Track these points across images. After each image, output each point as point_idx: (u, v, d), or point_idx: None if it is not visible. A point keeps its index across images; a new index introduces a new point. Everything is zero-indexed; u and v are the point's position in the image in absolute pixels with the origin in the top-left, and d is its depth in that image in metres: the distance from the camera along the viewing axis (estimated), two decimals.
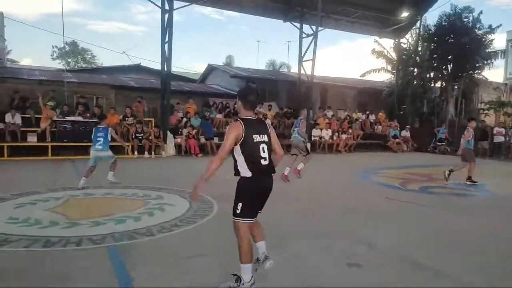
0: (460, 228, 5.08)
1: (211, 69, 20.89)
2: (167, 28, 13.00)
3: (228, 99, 16.67)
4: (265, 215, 3.22)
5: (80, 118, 11.94)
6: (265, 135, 2.96)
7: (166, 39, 13.05)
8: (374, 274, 3.44)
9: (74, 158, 10.88)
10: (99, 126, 7.17)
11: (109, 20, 67.19)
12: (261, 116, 15.29)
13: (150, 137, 12.33)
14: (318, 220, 5.26)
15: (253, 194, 2.93)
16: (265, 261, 3.02)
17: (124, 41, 66.29)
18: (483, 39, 18.15)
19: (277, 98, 18.27)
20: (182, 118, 13.82)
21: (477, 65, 18.84)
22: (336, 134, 16.02)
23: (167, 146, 12.55)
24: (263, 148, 2.92)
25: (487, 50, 18.63)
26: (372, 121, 18.60)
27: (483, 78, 19.73)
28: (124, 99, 14.63)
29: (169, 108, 13.30)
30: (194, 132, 13.08)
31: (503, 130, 16.00)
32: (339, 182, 8.88)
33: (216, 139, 13.84)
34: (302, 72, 16.57)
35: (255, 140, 2.89)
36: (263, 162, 2.93)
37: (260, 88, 18.16)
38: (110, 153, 7.11)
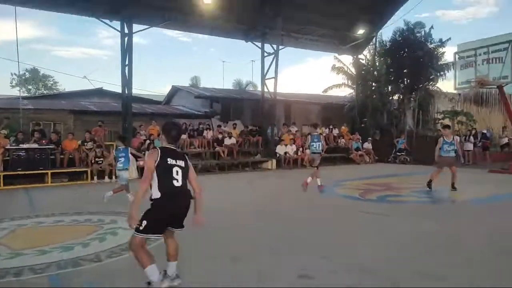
0: (408, 233, 5.25)
1: (175, 91, 20.84)
2: (126, 51, 12.95)
3: (193, 120, 16.62)
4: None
5: (35, 145, 11.51)
6: (182, 162, 3.22)
7: (127, 62, 12.97)
8: (325, 282, 3.48)
9: (29, 187, 10.41)
10: (119, 147, 7.90)
11: (75, 46, 66.06)
12: (226, 135, 15.40)
13: (111, 162, 12.02)
14: (276, 234, 5.27)
15: (160, 213, 3.11)
16: (174, 279, 3.30)
17: (89, 66, 65.11)
18: (435, 52, 19.19)
19: (242, 116, 18.42)
20: (145, 140, 13.60)
21: (431, 77, 19.86)
22: (301, 149, 16.24)
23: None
24: (176, 171, 3.16)
25: (439, 63, 19.67)
26: (335, 135, 19.02)
27: (438, 89, 20.74)
28: (84, 124, 14.28)
29: (130, 131, 13.08)
30: None
31: (458, 138, 16.76)
32: (303, 195, 8.94)
33: None
34: (266, 90, 16.83)
35: (168, 163, 3.14)
36: (176, 183, 3.15)
37: (224, 107, 18.32)
38: (127, 175, 7.80)
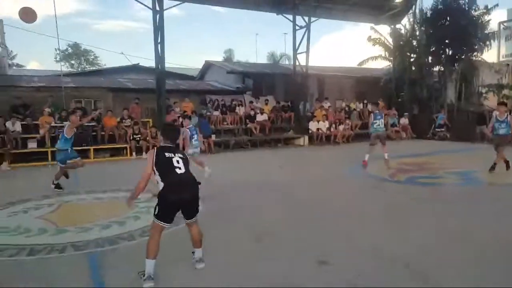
0: (429, 221, 5.22)
1: (208, 66, 21.02)
2: (159, 29, 13.14)
3: (225, 96, 16.78)
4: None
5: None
6: (180, 154, 3.46)
7: (159, 40, 13.21)
8: (346, 271, 3.61)
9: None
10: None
11: (112, 19, 67.47)
12: (258, 112, 15.48)
13: (148, 138, 12.56)
14: (299, 216, 5.43)
15: (166, 203, 3.32)
16: (198, 262, 3.57)
17: (126, 40, 66.54)
18: (480, 21, 17.89)
19: (274, 91, 18.34)
20: (178, 117, 13.99)
21: (475, 47, 18.61)
22: (334, 125, 16.07)
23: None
24: (177, 161, 3.39)
25: (485, 32, 18.36)
26: (370, 110, 18.53)
27: (482, 60, 19.47)
28: (122, 100, 14.85)
29: (164, 108, 13.49)
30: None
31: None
32: (330, 175, 9.00)
33: (213, 137, 14.05)
34: (298, 64, 16.59)
35: (166, 156, 3.38)
36: (178, 171, 3.36)
37: (256, 82, 18.29)
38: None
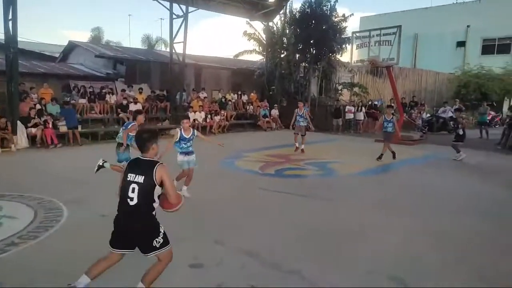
0: (297, 213, 5.88)
1: (72, 46, 18.80)
2: (10, 3, 11.20)
3: (94, 82, 15.41)
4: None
5: None
6: (142, 177, 2.99)
7: (10, 16, 11.27)
8: (215, 272, 3.80)
9: None
10: None
11: None
12: (131, 100, 14.68)
13: None
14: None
15: (113, 231, 3.12)
16: None
17: None
18: (338, 26, 20.27)
19: (149, 79, 17.63)
20: (35, 105, 12.33)
21: (334, 49, 21.07)
22: (209, 116, 16.34)
23: (17, 138, 11.14)
24: (132, 188, 3.00)
25: (342, 36, 20.91)
26: (244, 101, 19.45)
27: (339, 60, 22.18)
28: None
29: (17, 95, 11.70)
30: (51, 120, 11.82)
31: (352, 108, 18.50)
32: (207, 171, 9.14)
33: (79, 127, 12.83)
34: (175, 52, 16.25)
35: (127, 179, 3.04)
36: (130, 202, 3.00)
37: (129, 69, 17.26)
38: None
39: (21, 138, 11.28)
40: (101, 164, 6.90)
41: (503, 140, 13.37)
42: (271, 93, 20.75)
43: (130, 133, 6.63)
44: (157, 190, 3.04)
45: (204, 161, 10.21)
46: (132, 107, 14.61)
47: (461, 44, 29.59)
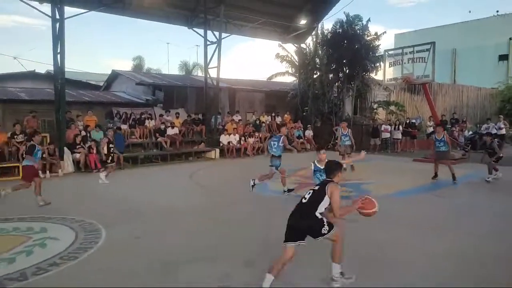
0: None
1: (115, 75, 20.03)
2: (58, 38, 12.21)
3: (134, 108, 16.22)
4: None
5: None
6: (318, 187, 4.06)
7: (58, 50, 12.26)
8: None
9: None
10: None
11: (4, 13, 60.07)
12: (168, 125, 15.28)
13: (44, 155, 11.52)
14: (203, 237, 5.55)
15: (287, 226, 3.96)
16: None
17: (22, 38, 59.80)
18: (371, 45, 20.16)
19: (186, 103, 18.29)
20: (80, 131, 13.13)
21: (367, 67, 20.90)
22: (243, 138, 16.60)
23: (63, 163, 11.88)
24: (309, 192, 4.06)
25: (376, 54, 20.74)
26: (278, 122, 19.58)
27: (373, 79, 21.92)
28: (14, 113, 13.43)
29: (64, 122, 12.54)
30: (95, 146, 12.51)
31: (389, 127, 18.09)
32: (233, 190, 9.26)
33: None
34: (209, 77, 16.82)
35: (312, 187, 4.19)
36: (303, 200, 3.98)
37: (167, 94, 18.03)
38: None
39: (67, 163, 12.02)
40: (252, 184, 8.64)
41: None
42: (304, 114, 20.79)
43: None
44: (326, 200, 3.87)
45: (235, 182, 10.43)
46: (170, 131, 15.21)
47: (503, 57, 28.36)
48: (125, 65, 65.98)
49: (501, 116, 19.61)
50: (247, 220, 6.58)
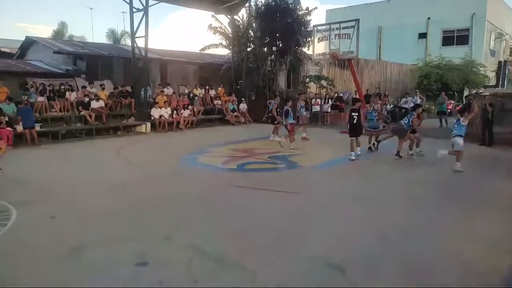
0: (252, 208, 5.96)
1: (30, 43, 18.00)
2: None
3: (52, 79, 14.90)
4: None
5: None
6: None
7: None
8: (158, 271, 3.82)
9: None
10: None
11: None
12: (93, 97, 14.32)
13: None
14: (119, 214, 5.40)
15: None
16: None
17: None
18: (303, 20, 20.43)
19: (112, 75, 17.22)
20: None
21: (299, 42, 21.24)
22: (176, 111, 16.17)
23: None
24: None
25: (307, 29, 21.09)
26: (212, 96, 19.36)
27: (306, 54, 22.39)
28: None
29: None
30: (5, 120, 11.34)
31: (319, 101, 18.78)
32: (164, 166, 9.08)
33: (38, 126, 12.42)
34: (137, 48, 15.91)
35: None
36: None
37: (90, 65, 16.79)
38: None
39: None
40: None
41: None
42: (238, 87, 20.73)
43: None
44: None
45: (165, 157, 10.21)
46: (94, 104, 14.29)
47: (422, 35, 30.53)
48: (47, 32, 60.05)
49: (418, 90, 21.31)
50: (171, 197, 6.49)
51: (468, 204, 6.07)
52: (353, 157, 9.44)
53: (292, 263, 3.98)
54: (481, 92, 14.56)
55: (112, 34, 34.10)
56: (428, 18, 29.69)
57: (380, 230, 4.89)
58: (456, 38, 29.19)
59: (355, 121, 9.55)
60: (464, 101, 15.66)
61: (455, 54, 25.74)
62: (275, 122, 12.76)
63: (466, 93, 25.45)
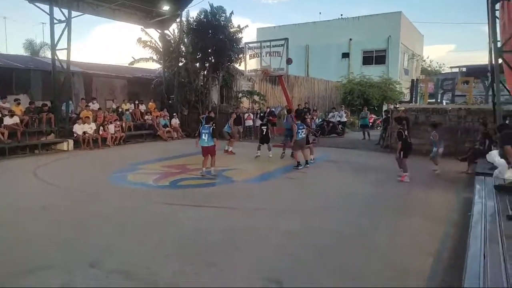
0: (188, 227, 5.77)
1: None
2: None
3: None
4: None
5: None
6: None
7: None
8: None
9: None
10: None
11: None
12: (6, 114, 12.97)
13: None
14: (40, 247, 4.89)
15: None
16: None
17: None
18: (234, 37, 20.78)
19: (29, 89, 15.81)
20: None
21: (232, 58, 21.53)
22: (102, 127, 15.28)
23: None
24: None
25: (239, 46, 21.46)
26: (142, 111, 18.69)
27: (238, 69, 22.73)
28: None
29: None
30: None
31: (251, 115, 19.09)
32: (89, 185, 8.49)
33: None
34: (57, 60, 14.82)
35: None
36: None
37: (3, 78, 15.25)
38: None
39: None
40: None
41: (380, 140, 15.09)
42: (170, 102, 20.31)
43: None
44: None
45: (89, 176, 9.54)
46: (7, 120, 12.96)
47: (345, 55, 32.82)
48: None
49: (343, 105, 22.74)
50: (97, 218, 6.05)
51: (391, 212, 6.51)
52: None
53: (228, 279, 3.90)
54: (398, 107, 15.99)
55: (30, 45, 31.54)
56: (350, 39, 32.03)
57: (316, 241, 5.02)
58: (375, 58, 31.81)
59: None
60: (383, 115, 16.95)
61: (374, 72, 27.98)
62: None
63: (385, 107, 27.78)
